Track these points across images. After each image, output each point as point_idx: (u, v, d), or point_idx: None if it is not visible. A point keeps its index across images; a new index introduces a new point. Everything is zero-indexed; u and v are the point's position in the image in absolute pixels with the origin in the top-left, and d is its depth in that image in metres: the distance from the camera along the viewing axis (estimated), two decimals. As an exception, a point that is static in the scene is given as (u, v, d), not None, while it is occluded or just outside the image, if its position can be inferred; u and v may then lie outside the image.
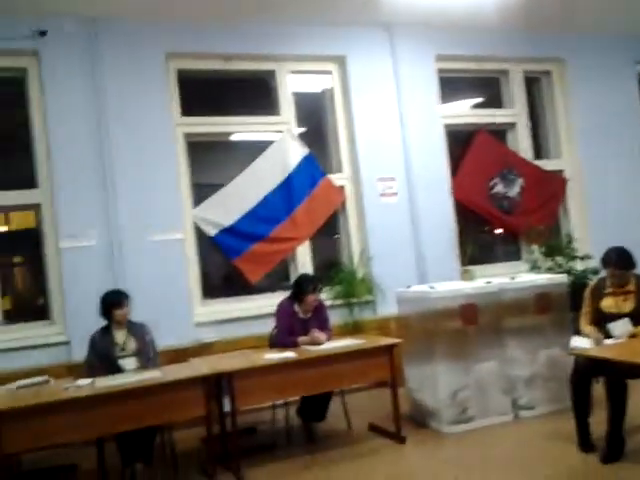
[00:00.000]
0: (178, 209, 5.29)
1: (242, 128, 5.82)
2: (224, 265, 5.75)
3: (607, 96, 6.70)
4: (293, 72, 5.95)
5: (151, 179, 5.16)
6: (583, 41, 6.63)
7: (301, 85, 6.05)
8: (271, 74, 5.89)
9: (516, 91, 6.64)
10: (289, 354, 4.02)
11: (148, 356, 4.04)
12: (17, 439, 3.23)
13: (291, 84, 5.93)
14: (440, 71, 6.28)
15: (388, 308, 5.43)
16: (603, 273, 4.06)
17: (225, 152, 6.11)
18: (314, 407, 4.38)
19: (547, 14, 5.97)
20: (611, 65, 6.76)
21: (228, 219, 5.50)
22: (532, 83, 6.88)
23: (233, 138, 5.88)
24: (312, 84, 6.20)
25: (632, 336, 3.74)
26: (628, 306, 3.86)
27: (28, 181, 5.08)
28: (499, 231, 6.53)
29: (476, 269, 5.79)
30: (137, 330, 4.09)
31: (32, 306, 5.41)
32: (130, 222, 5.05)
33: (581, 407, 3.63)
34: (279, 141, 5.79)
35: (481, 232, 6.53)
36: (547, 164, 6.69)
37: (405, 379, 4.57)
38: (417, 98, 6.09)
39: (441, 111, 6.26)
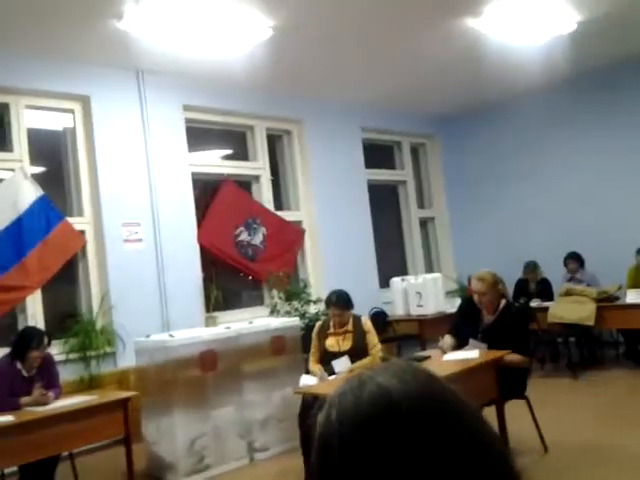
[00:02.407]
0: None
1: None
2: None
3: (338, 157, 7.51)
4: (30, 107, 5.54)
5: None
6: (319, 106, 7.36)
7: (39, 121, 5.66)
8: (4, 107, 5.41)
9: (260, 146, 7.06)
10: (7, 417, 3.60)
11: None
12: None
13: (27, 120, 5.50)
14: (188, 121, 6.41)
15: (129, 359, 5.21)
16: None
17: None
18: (37, 476, 3.96)
19: (288, 78, 6.52)
20: (341, 129, 7.61)
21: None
22: (276, 139, 7.40)
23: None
24: (52, 121, 5.83)
25: (351, 372, 4.16)
26: (347, 344, 4.29)
27: None
28: (245, 277, 6.77)
29: (220, 315, 5.92)
30: None
31: None
32: None
33: (307, 443, 3.88)
34: (9, 180, 5.30)
35: (228, 278, 6.70)
36: (287, 215, 7.19)
37: (143, 434, 4.41)
38: (165, 145, 6.11)
39: (189, 160, 6.35)
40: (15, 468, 3.96)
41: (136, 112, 5.99)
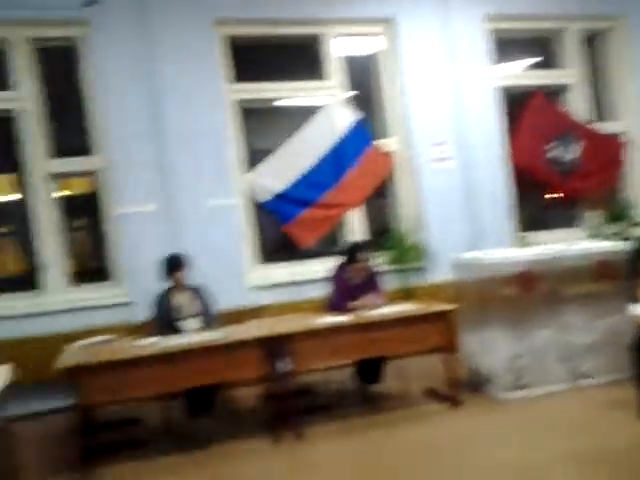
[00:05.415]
0: (232, 175, 5.35)
1: (291, 94, 5.80)
2: (278, 230, 5.82)
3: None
4: (341, 35, 5.86)
5: (205, 146, 5.22)
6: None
7: (350, 48, 5.96)
8: (319, 38, 5.82)
9: (572, 51, 6.40)
10: (344, 318, 4.06)
11: (208, 317, 4.16)
12: (91, 393, 3.41)
13: (340, 48, 5.85)
14: (493, 31, 6.09)
15: (439, 274, 5.41)
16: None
17: (275, 118, 6.11)
18: (369, 370, 4.43)
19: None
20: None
21: (279, 185, 5.52)
22: (591, 42, 6.59)
23: (282, 104, 5.86)
24: (361, 47, 6.09)
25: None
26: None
27: (84, 148, 5.19)
28: (558, 196, 6.35)
29: (532, 235, 5.71)
30: (197, 292, 4.21)
31: (94, 269, 5.61)
32: (187, 188, 5.14)
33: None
34: (328, 106, 5.75)
35: (538, 197, 6.37)
36: (606, 126, 6.46)
37: (460, 345, 4.57)
38: (469, 59, 5.95)
39: (495, 72, 6.09)
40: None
41: (440, 28, 5.91)
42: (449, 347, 4.12)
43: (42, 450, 3.99)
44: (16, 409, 3.71)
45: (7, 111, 5.02)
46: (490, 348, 4.23)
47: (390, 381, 4.52)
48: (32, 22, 4.96)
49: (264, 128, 6.08)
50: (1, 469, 3.17)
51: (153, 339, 3.81)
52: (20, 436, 3.48)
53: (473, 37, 5.96)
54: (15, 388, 3.23)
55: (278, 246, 5.97)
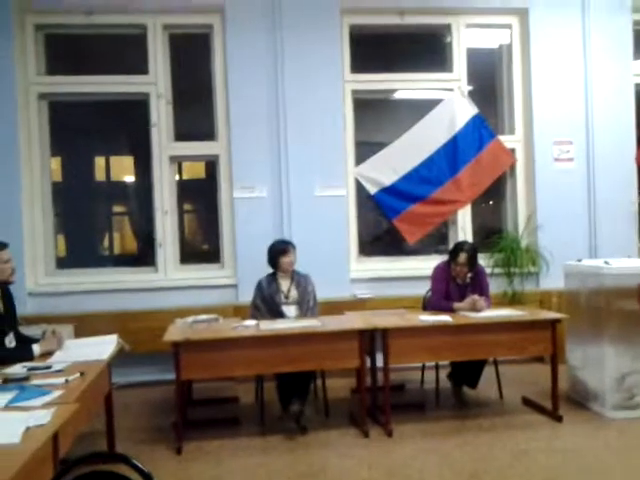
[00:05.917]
0: (342, 166, 5.38)
1: (412, 85, 5.70)
2: (379, 224, 5.80)
3: None
4: (470, 26, 5.68)
5: (319, 135, 5.27)
6: None
7: (476, 40, 5.77)
8: (446, 28, 5.68)
9: None
10: (446, 317, 3.97)
11: (308, 305, 4.23)
12: (192, 368, 3.59)
13: (466, 39, 5.67)
14: (637, 23, 5.63)
15: (552, 281, 5.14)
16: None
17: (389, 110, 6.06)
18: (466, 373, 4.32)
19: None
20: None
21: (390, 178, 5.48)
22: None
23: (398, 96, 5.79)
24: (488, 39, 5.88)
25: None
26: None
27: (205, 134, 5.43)
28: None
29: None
30: (300, 280, 4.29)
31: (204, 250, 5.89)
32: (298, 176, 5.23)
33: None
34: (448, 99, 5.60)
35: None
36: None
37: (566, 357, 4.33)
38: (607, 54, 5.56)
39: (634, 69, 5.63)
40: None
41: (576, 20, 5.57)
42: (554, 357, 3.91)
43: (138, 419, 4.23)
44: (120, 377, 3.99)
45: (141, 94, 5.34)
46: (599, 363, 3.97)
47: (485, 387, 4.38)
48: (169, 9, 5.25)
49: (380, 120, 6.05)
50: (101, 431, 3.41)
51: (254, 322, 3.95)
52: (120, 403, 3.70)
53: (615, 30, 5.56)
54: (122, 357, 3.47)
55: (377, 240, 5.94)
